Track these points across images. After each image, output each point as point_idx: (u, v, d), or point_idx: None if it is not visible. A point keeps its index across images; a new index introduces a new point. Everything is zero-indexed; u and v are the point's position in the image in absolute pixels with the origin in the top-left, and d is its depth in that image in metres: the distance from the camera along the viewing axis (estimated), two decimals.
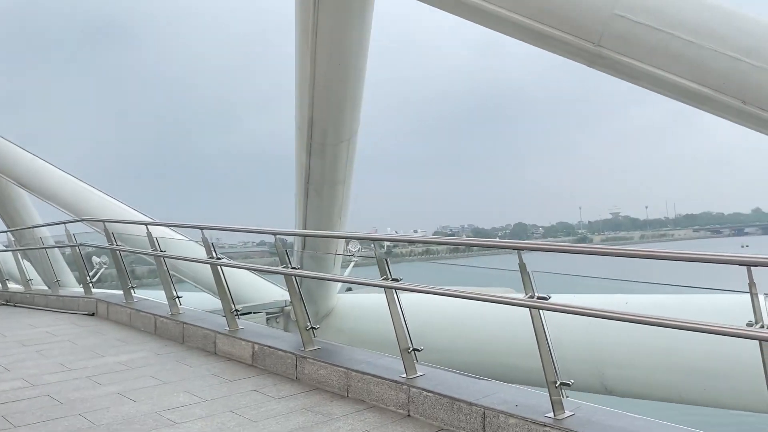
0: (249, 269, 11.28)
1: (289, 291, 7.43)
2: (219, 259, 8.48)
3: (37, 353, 8.54)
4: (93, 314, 11.40)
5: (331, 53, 8.13)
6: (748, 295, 3.88)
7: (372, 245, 6.26)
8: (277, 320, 13.77)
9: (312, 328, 7.39)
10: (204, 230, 8.46)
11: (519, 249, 5.15)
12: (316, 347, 7.32)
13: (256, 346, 7.76)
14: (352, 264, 14.75)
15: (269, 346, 7.56)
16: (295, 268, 7.33)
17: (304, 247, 11.13)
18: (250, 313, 13.10)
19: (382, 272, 6.19)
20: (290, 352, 7.28)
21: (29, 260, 15.75)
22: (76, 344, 9.06)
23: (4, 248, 16.06)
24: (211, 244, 8.47)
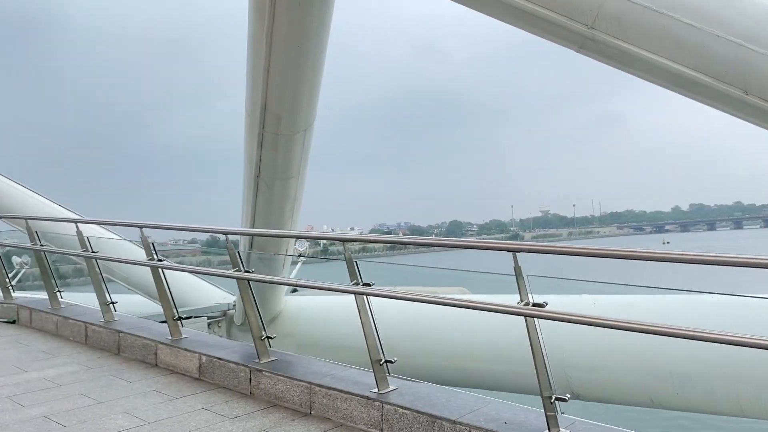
0: (196, 272, 10.27)
1: (241, 297, 6.68)
2: (160, 260, 7.62)
3: None
4: (14, 322, 10.28)
5: (289, 32, 7.29)
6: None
7: (321, 244, 5.71)
8: (219, 325, 12.91)
9: (267, 337, 6.67)
10: (143, 228, 7.58)
11: (514, 251, 4.76)
12: (272, 358, 6.62)
13: (204, 358, 6.98)
14: (300, 264, 14.01)
15: (219, 358, 6.80)
16: (248, 271, 6.56)
17: (251, 247, 10.34)
18: (190, 317, 12.20)
19: (352, 276, 5.54)
20: (243, 365, 6.55)
21: None
22: None
23: None
24: (151, 245, 7.61)
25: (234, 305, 12.75)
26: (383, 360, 5.49)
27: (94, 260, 8.53)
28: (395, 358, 5.57)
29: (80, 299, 11.33)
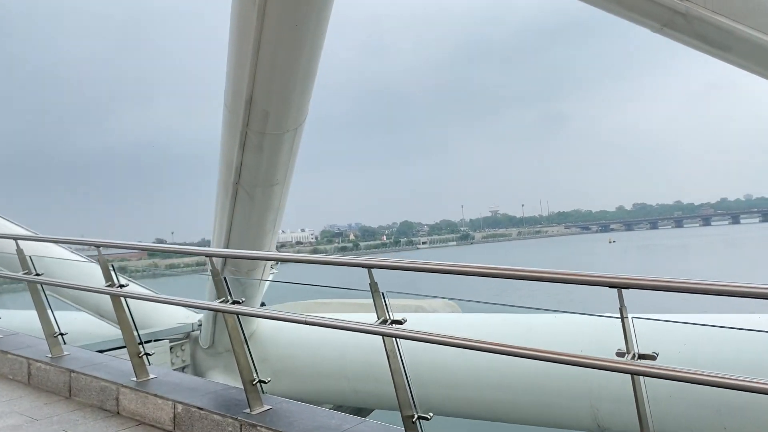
0: (171, 303, 8.77)
1: (229, 333, 5.36)
2: (122, 286, 6.25)
3: None
4: None
5: (286, 5, 5.79)
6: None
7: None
8: (183, 348, 11.43)
9: (261, 381, 5.42)
10: (101, 248, 6.20)
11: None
12: (266, 407, 5.36)
13: (180, 407, 5.66)
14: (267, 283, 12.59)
15: (199, 407, 5.50)
16: (236, 302, 5.27)
17: (224, 264, 8.97)
18: (149, 341, 10.74)
19: (381, 311, 4.37)
20: (231, 417, 5.26)
21: None
22: None
23: None
24: (111, 267, 6.23)
25: (199, 325, 11.32)
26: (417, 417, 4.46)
27: (38, 285, 7.06)
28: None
29: (20, 320, 9.82)
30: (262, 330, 11.00)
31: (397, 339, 4.41)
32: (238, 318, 5.36)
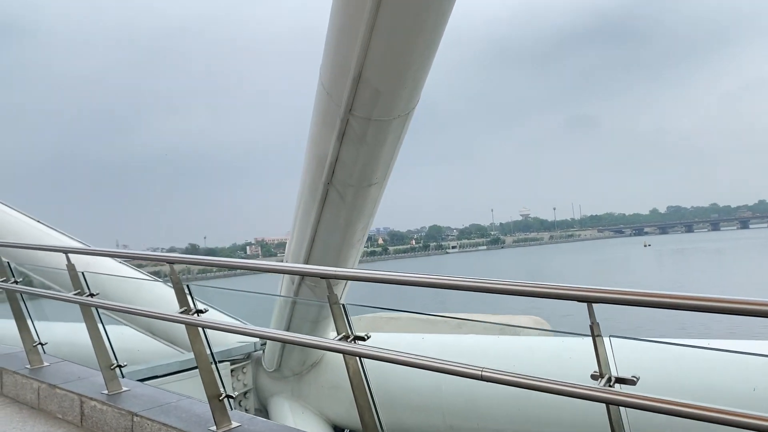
0: (276, 339, 7.34)
1: (351, 379, 4.09)
2: (200, 312, 4.96)
3: None
4: None
5: None
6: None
7: None
8: (244, 371, 10.18)
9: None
10: (173, 264, 4.93)
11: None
12: None
13: None
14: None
15: None
16: (359, 338, 3.96)
17: (303, 280, 7.67)
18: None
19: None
20: None
21: None
22: None
23: None
24: (188, 290, 4.94)
25: (262, 344, 10.05)
26: None
27: (93, 309, 5.82)
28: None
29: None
30: (332, 355, 9.72)
31: (361, 357, 4.08)
32: (361, 361, 4.05)
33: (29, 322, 7.01)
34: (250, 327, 4.68)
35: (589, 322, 2.93)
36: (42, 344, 7.07)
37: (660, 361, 6.98)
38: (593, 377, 2.96)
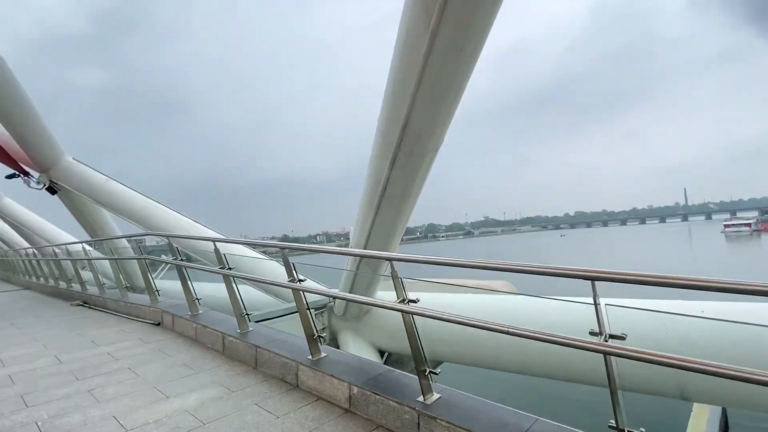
0: (353, 301, 6.97)
1: (407, 330, 3.60)
2: (301, 281, 4.56)
3: (90, 394, 4.43)
4: (158, 324, 7.22)
5: (457, 29, 3.77)
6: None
7: None
8: (322, 315, 9.78)
9: (431, 372, 3.63)
10: (285, 250, 4.53)
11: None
12: (437, 396, 3.57)
13: (355, 388, 3.91)
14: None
15: (374, 392, 3.74)
16: (412, 301, 3.50)
17: (357, 268, 7.29)
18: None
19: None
20: (408, 406, 3.49)
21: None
22: (138, 374, 4.96)
23: (78, 258, 11.41)
24: (292, 266, 4.54)
25: (334, 299, 9.67)
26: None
27: (231, 278, 5.45)
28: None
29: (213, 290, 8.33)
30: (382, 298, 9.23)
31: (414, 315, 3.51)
32: (413, 317, 3.57)
33: (190, 284, 6.65)
34: (333, 291, 4.22)
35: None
36: (198, 299, 6.72)
37: (644, 321, 6.03)
38: (592, 334, 2.48)
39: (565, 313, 5.64)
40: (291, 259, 4.53)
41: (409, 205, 6.07)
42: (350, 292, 8.38)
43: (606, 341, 2.42)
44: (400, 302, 3.45)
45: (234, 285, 5.56)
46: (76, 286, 11.61)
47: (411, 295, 3.53)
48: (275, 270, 8.29)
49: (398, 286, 3.45)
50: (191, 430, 3.62)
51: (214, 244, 5.49)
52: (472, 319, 3.03)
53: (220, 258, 5.46)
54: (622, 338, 2.43)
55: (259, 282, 5.12)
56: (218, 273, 5.46)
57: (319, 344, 4.67)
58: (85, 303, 10.32)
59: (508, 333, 2.69)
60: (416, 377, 3.93)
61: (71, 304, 10.51)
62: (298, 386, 4.45)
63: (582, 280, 2.44)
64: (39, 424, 3.79)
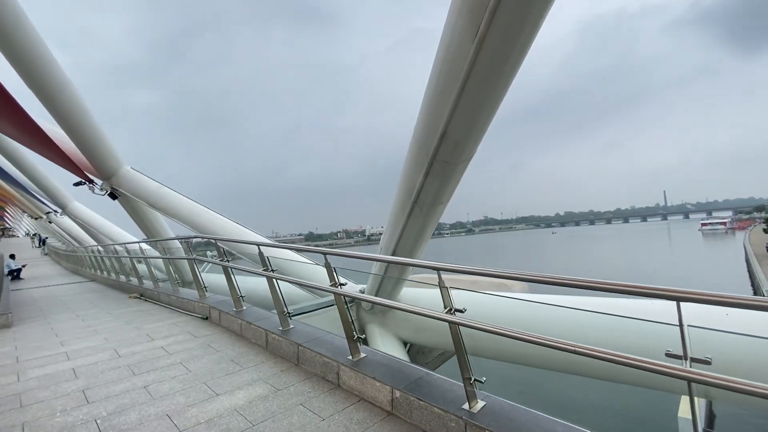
0: (400, 309, 6.50)
1: (453, 340, 3.14)
2: (342, 285, 4.15)
3: (146, 390, 4.10)
4: (206, 318, 6.90)
5: (505, 38, 3.23)
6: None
7: None
8: (351, 309, 9.38)
9: (476, 380, 3.17)
10: (327, 256, 4.12)
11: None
12: (482, 403, 3.12)
13: (397, 392, 3.48)
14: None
15: (418, 398, 3.30)
16: (458, 311, 3.04)
17: (385, 273, 6.86)
18: (332, 305, 8.75)
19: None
20: (455, 414, 3.05)
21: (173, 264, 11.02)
22: (189, 370, 4.61)
23: (135, 256, 11.24)
24: (333, 270, 4.14)
25: (361, 292, 9.26)
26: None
27: (274, 280, 5.08)
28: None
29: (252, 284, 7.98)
30: (405, 295, 8.75)
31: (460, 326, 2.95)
32: (459, 327, 3.11)
33: (235, 283, 6.30)
34: (377, 299, 3.77)
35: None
36: (242, 296, 6.37)
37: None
38: (673, 356, 1.99)
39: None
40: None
41: (439, 211, 5.61)
42: (377, 291, 7.96)
43: (690, 366, 1.94)
44: (447, 312, 3.00)
45: (276, 285, 5.18)
46: (134, 280, 11.45)
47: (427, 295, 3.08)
48: (314, 270, 7.92)
49: (446, 296, 3.01)
50: (239, 426, 3.25)
51: (259, 248, 5.12)
52: (527, 333, 2.57)
53: (264, 261, 5.09)
54: (707, 363, 1.94)
55: (299, 284, 4.70)
56: (262, 275, 5.08)
57: (359, 344, 4.25)
58: (141, 296, 10.12)
59: (576, 353, 2.22)
60: (455, 381, 3.49)
61: (129, 297, 10.32)
62: (339, 386, 4.05)
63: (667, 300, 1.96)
64: (98, 422, 3.46)
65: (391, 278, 7.27)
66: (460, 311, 3.04)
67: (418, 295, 8.76)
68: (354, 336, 4.21)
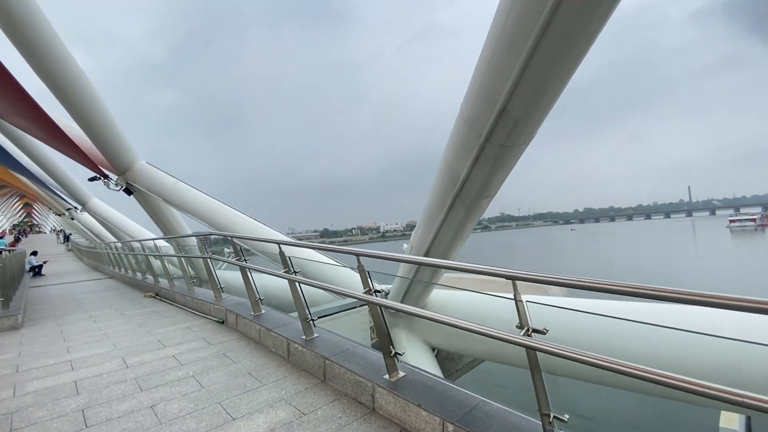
0: (432, 320, 5.62)
1: (531, 370, 2.45)
2: (377, 292, 3.51)
3: (152, 411, 3.55)
4: (222, 322, 6.39)
5: (574, 13, 2.59)
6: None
7: None
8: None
9: (557, 418, 2.49)
10: (360, 257, 3.48)
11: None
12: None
13: (450, 427, 2.82)
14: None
15: None
16: (540, 332, 2.36)
17: (415, 276, 6.19)
18: (354, 307, 8.15)
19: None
20: None
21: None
22: (202, 385, 4.05)
23: (150, 253, 10.88)
24: (368, 275, 3.50)
25: (386, 294, 8.64)
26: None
27: (296, 283, 4.48)
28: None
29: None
30: (433, 299, 8.08)
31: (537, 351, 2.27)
32: (536, 353, 2.43)
33: (253, 284, 5.74)
34: (425, 312, 3.07)
35: None
36: (260, 299, 5.81)
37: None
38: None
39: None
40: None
41: (483, 206, 4.86)
42: (405, 295, 7.30)
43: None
44: (525, 335, 2.32)
45: (299, 289, 4.58)
46: (150, 278, 11.12)
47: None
48: (339, 272, 7.32)
49: (522, 312, 2.33)
50: None
51: (279, 247, 4.53)
52: (617, 362, 1.88)
53: (285, 261, 4.50)
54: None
55: (324, 289, 4.07)
56: (284, 277, 4.49)
57: (396, 361, 3.61)
58: (156, 295, 9.74)
59: (702, 394, 1.52)
60: (524, 416, 2.82)
61: (145, 295, 9.97)
62: (375, 410, 3.42)
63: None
64: None
65: (420, 282, 6.60)
66: (540, 332, 2.36)
67: (447, 297, 8.07)
68: (391, 351, 3.57)
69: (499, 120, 3.54)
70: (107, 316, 7.77)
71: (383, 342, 3.57)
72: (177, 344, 5.40)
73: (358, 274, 3.57)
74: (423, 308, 7.97)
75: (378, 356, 4.00)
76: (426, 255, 5.73)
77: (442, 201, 4.91)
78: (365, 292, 3.49)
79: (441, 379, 3.49)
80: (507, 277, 2.33)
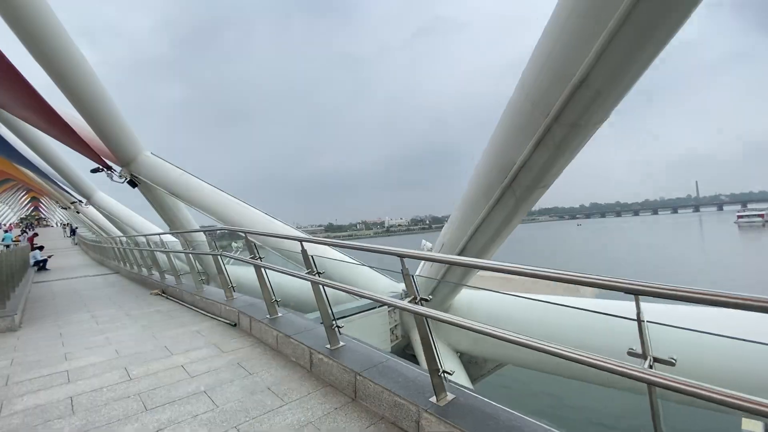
0: (461, 326, 4.79)
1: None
2: (424, 300, 2.93)
3: None
4: (235, 325, 5.86)
5: None
6: None
7: None
8: (395, 311, 8.25)
9: None
10: (404, 259, 2.90)
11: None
12: None
13: None
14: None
15: None
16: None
17: (448, 270, 5.60)
18: (374, 307, 7.60)
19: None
20: None
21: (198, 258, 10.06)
22: (216, 404, 3.51)
23: (156, 249, 10.37)
24: (413, 279, 2.93)
25: (406, 294, 8.09)
26: None
27: (320, 286, 3.91)
28: None
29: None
30: (458, 302, 7.51)
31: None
32: (654, 388, 1.82)
33: (268, 284, 5.19)
34: (459, 319, 2.50)
35: None
36: (277, 301, 5.26)
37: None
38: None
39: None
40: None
41: (534, 198, 4.24)
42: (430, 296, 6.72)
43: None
44: (648, 369, 1.71)
45: (324, 293, 4.02)
46: (157, 274, 10.63)
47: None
48: (359, 272, 6.76)
49: (645, 337, 1.74)
50: None
51: (302, 245, 3.96)
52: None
53: (308, 262, 3.93)
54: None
55: (352, 293, 3.49)
56: (308, 279, 3.93)
57: (444, 381, 3.05)
58: (163, 292, 9.25)
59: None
60: None
61: (151, 293, 9.48)
62: None
63: None
64: None
65: (448, 283, 6.03)
66: (669, 363, 1.76)
67: (472, 297, 7.49)
68: (439, 369, 3.01)
69: (575, 94, 2.92)
70: (110, 317, 7.28)
71: (429, 359, 3.00)
72: (186, 351, 4.87)
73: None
74: (446, 311, 7.38)
75: (417, 372, 3.44)
76: (461, 254, 5.14)
77: (487, 192, 4.30)
78: (410, 301, 2.92)
79: (499, 405, 2.92)
80: (628, 291, 1.73)
